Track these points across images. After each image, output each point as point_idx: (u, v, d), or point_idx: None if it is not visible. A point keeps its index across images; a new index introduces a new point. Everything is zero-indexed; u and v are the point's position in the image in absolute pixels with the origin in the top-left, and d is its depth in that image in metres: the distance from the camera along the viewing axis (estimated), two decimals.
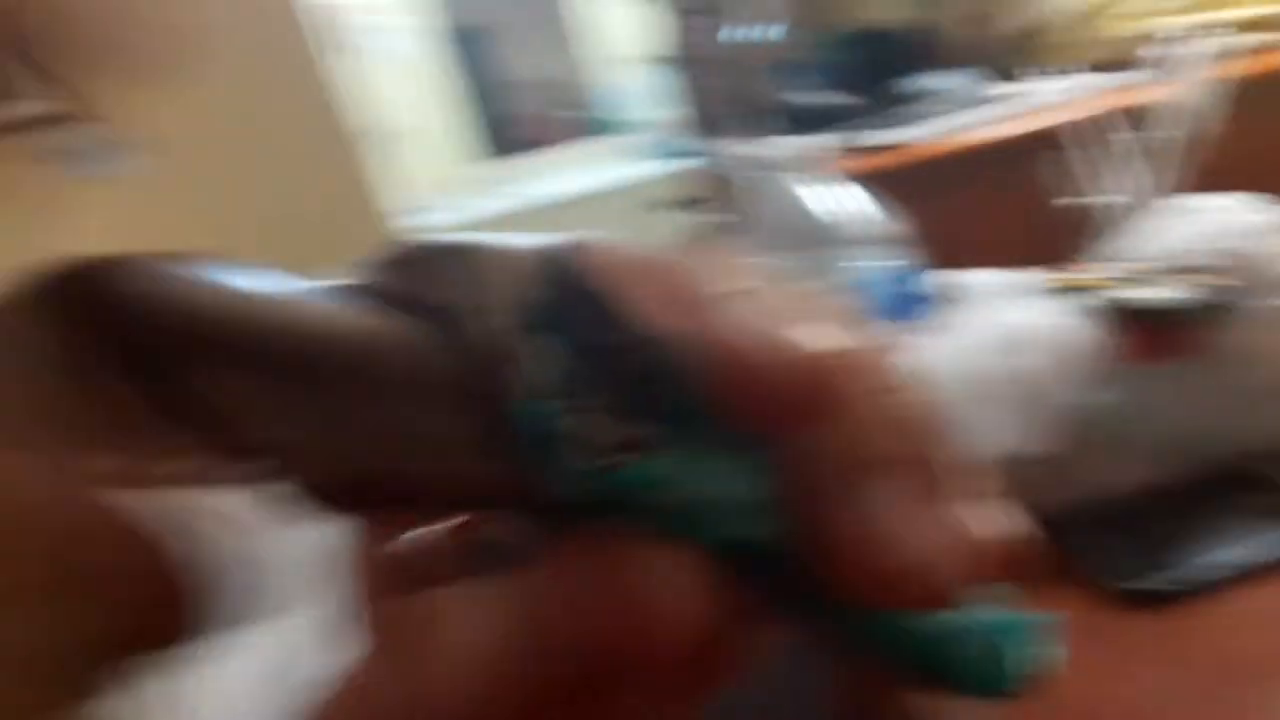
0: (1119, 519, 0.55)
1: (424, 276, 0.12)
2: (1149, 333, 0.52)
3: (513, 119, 3.48)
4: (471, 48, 3.24)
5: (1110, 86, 1.17)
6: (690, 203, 1.76)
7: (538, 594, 0.13)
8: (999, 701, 0.15)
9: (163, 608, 0.12)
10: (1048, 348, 0.52)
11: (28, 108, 1.32)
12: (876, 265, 0.71)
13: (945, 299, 0.64)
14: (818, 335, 0.14)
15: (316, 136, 2.01)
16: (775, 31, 1.78)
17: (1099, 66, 1.22)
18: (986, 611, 0.16)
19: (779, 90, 1.71)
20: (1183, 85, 0.96)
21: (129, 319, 0.12)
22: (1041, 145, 1.00)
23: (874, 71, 1.44)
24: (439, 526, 0.14)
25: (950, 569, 0.14)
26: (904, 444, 0.15)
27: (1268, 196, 0.60)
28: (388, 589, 0.14)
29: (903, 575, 0.14)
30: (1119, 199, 0.86)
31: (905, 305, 0.67)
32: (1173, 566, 0.52)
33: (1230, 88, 1.00)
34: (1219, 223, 0.58)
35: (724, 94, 1.94)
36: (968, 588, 0.15)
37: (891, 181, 1.04)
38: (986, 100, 1.23)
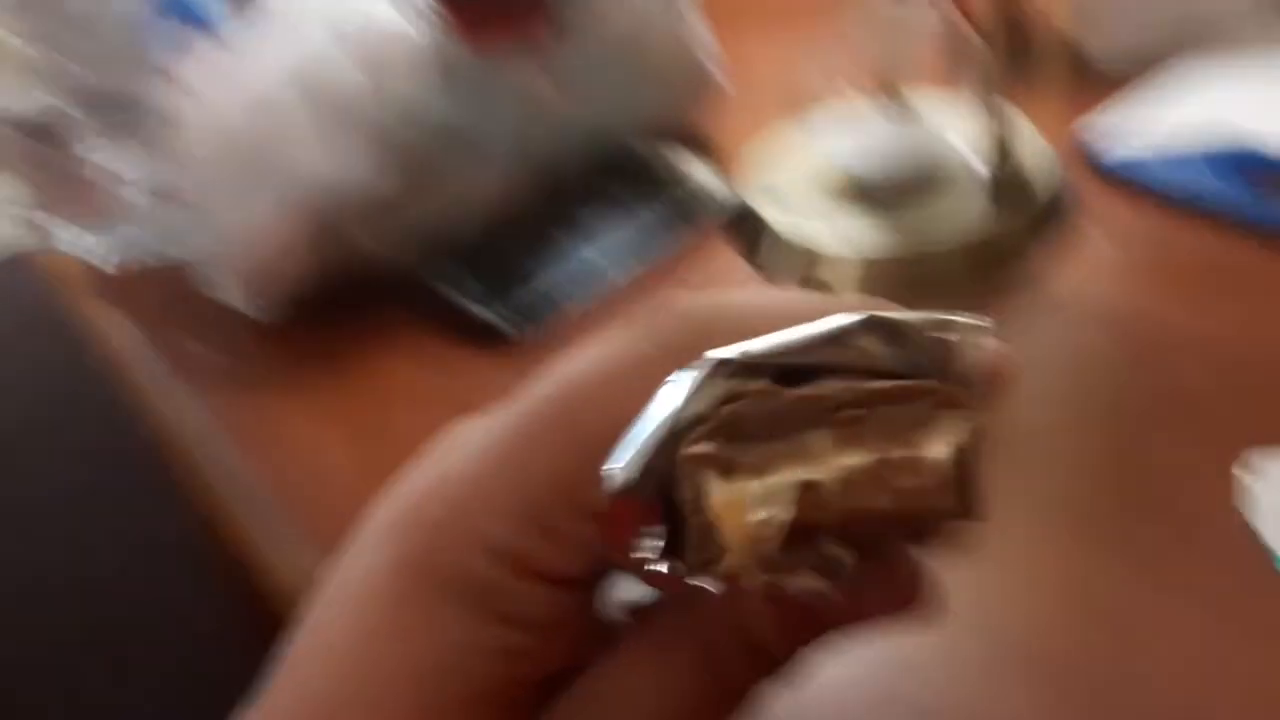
0: (471, 251, 0.48)
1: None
2: (476, 11, 0.42)
3: None
4: None
5: None
6: None
7: None
8: None
9: None
10: (364, 54, 0.40)
11: None
12: None
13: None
14: None
15: None
16: None
17: None
18: None
19: None
20: None
21: None
22: None
23: None
24: None
25: None
26: None
27: None
28: None
29: None
30: None
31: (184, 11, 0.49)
32: (528, 296, 0.46)
33: None
34: None
35: None
36: None
37: None
38: None
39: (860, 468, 0.15)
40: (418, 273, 0.47)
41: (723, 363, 0.15)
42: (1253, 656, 0.30)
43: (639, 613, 0.20)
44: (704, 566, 0.15)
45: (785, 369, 0.15)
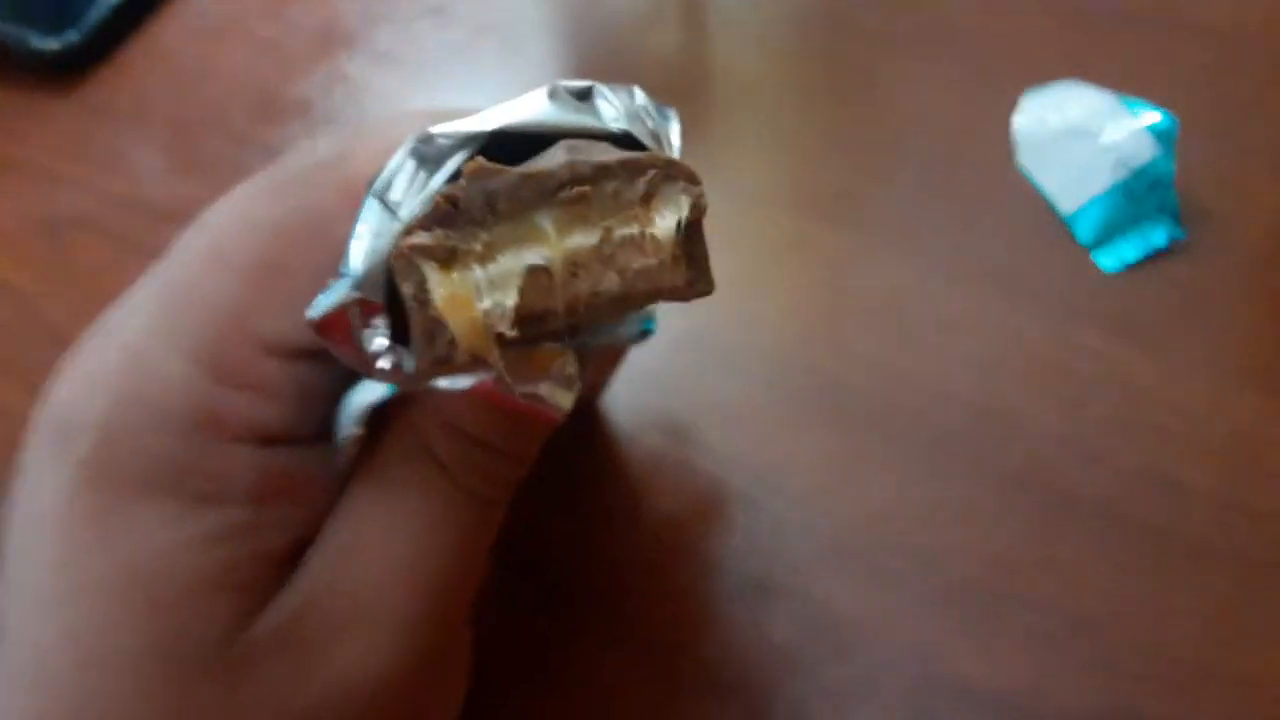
0: None
1: None
2: None
3: None
4: None
5: None
6: None
7: None
8: None
9: None
10: None
11: None
12: None
13: None
14: None
15: None
16: None
17: None
18: None
19: None
20: None
21: None
22: None
23: None
24: None
25: None
26: None
27: None
28: None
29: None
30: None
31: None
32: (87, 12, 0.39)
33: None
34: None
35: None
36: None
37: None
38: None
39: (586, 248, 0.14)
40: None
41: (424, 138, 0.14)
42: (1054, 322, 0.28)
43: (371, 424, 0.18)
44: (437, 362, 0.14)
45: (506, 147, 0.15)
